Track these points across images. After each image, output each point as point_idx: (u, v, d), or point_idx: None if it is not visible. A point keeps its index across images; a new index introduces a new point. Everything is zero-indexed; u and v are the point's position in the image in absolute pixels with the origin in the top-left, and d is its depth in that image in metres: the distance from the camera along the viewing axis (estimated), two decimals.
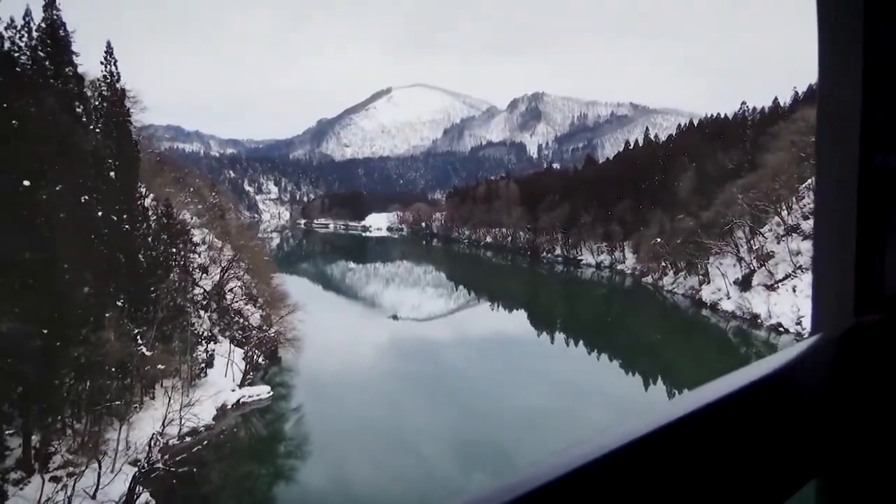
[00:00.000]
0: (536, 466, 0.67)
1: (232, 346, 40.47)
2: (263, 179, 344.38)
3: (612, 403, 36.71)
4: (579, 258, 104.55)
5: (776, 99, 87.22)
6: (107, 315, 25.46)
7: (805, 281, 52.93)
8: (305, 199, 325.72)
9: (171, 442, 27.04)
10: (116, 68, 40.14)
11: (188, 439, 29.20)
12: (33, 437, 22.20)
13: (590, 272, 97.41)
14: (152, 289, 32.15)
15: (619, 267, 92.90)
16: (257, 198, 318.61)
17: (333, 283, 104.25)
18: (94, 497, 21.87)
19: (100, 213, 29.88)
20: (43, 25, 34.42)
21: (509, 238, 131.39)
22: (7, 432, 20.75)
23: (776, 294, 55.14)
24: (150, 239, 35.32)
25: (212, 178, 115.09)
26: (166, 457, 24.97)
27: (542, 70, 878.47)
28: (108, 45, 40.61)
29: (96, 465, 23.22)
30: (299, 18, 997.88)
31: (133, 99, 44.41)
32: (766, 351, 48.22)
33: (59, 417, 22.90)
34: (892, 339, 1.29)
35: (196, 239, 45.57)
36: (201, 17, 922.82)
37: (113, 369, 25.24)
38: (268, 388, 38.33)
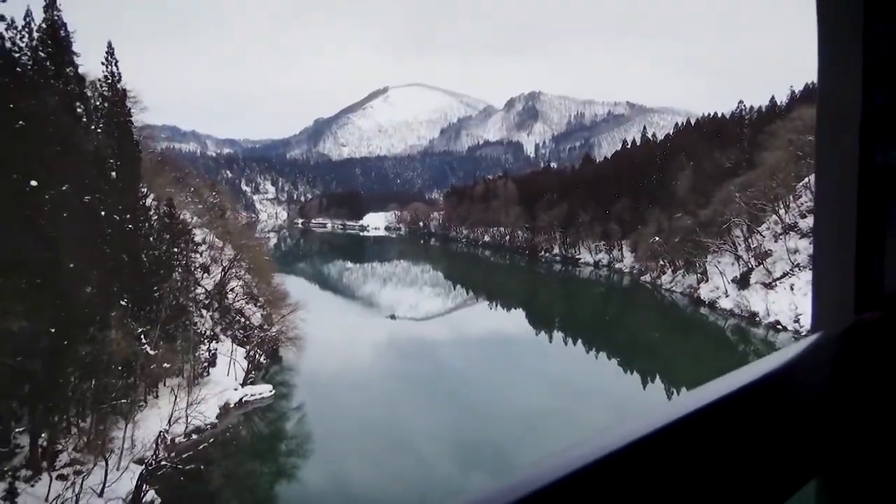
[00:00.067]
0: (535, 468, 0.67)
1: (234, 345, 40.60)
2: (260, 179, 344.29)
3: (611, 402, 36.79)
4: (577, 257, 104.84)
5: (773, 98, 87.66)
6: (112, 314, 25.60)
7: (803, 279, 53.23)
8: (302, 198, 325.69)
9: (177, 440, 27.19)
10: (118, 68, 40.26)
11: (192, 437, 29.37)
12: (40, 436, 22.33)
13: (588, 271, 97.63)
14: (155, 288, 32.30)
15: (618, 266, 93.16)
16: (254, 198, 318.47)
17: (331, 282, 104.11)
18: (101, 495, 22.02)
19: (103, 213, 30.01)
20: (44, 26, 34.54)
21: (507, 237, 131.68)
22: (17, 430, 20.89)
23: (774, 292, 55.45)
24: (152, 239, 35.47)
25: (209, 178, 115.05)
26: (172, 454, 25.11)
27: (538, 69, 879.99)
28: (109, 46, 40.67)
29: (102, 463, 23.38)
30: (296, 18, 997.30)
31: (133, 99, 44.49)
32: (765, 348, 48.47)
33: (66, 416, 23.02)
34: (893, 336, 1.29)
35: (197, 238, 45.68)
36: (197, 17, 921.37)
37: (119, 368, 25.39)
38: (270, 386, 38.48)
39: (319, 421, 33.46)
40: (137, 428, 27.23)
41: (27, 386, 20.07)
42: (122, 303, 28.74)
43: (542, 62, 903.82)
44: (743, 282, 60.19)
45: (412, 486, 26.50)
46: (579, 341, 55.39)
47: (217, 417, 32.79)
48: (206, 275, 44.79)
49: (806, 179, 59.60)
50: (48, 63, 34.28)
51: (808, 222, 57.88)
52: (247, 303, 47.72)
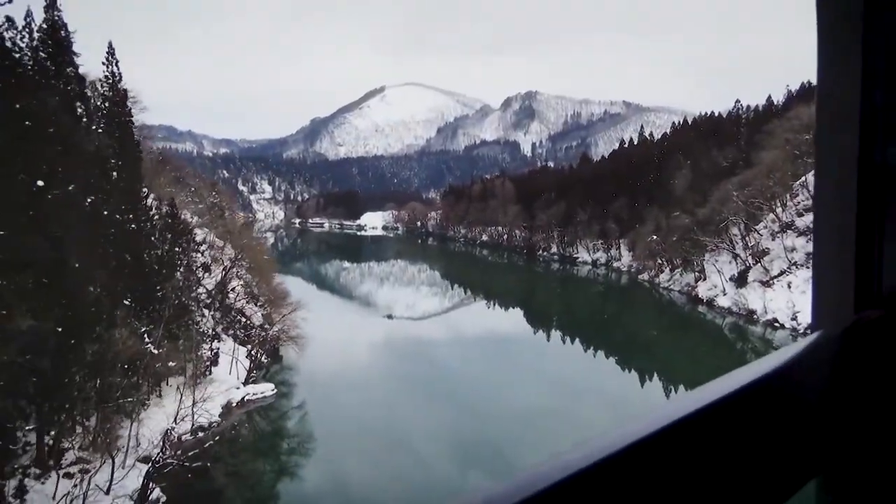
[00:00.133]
0: (534, 470, 0.67)
1: (235, 344, 40.76)
2: (257, 179, 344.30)
3: (609, 401, 36.88)
4: (575, 256, 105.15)
5: (770, 97, 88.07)
6: (117, 313, 25.74)
7: (800, 277, 53.55)
8: (299, 198, 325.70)
9: (184, 437, 27.36)
10: (118, 69, 40.34)
11: (196, 436, 29.54)
12: (46, 435, 22.48)
13: (586, 270, 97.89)
14: (158, 288, 32.44)
15: (616, 264, 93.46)
16: (251, 197, 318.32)
17: (328, 282, 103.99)
18: (107, 493, 22.19)
19: (105, 213, 30.14)
20: (44, 26, 34.61)
21: (505, 236, 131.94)
22: (26, 428, 21.05)
23: (772, 290, 55.75)
24: (154, 238, 35.61)
25: (206, 178, 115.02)
26: (178, 452, 25.29)
27: (535, 69, 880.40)
28: (110, 46, 40.77)
29: (107, 461, 23.54)
30: (292, 18, 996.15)
31: (133, 99, 44.58)
32: (763, 346, 48.76)
33: (72, 414, 23.18)
34: (892, 335, 1.29)
35: (198, 238, 45.82)
36: (193, 17, 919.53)
37: (125, 366, 25.55)
38: (271, 385, 38.63)
39: (320, 420, 33.58)
40: (141, 426, 27.41)
41: (35, 384, 20.22)
42: (126, 302, 28.89)
43: (538, 62, 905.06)
44: (741, 280, 60.51)
45: (410, 484, 26.67)
46: (577, 340, 55.42)
47: (220, 416, 32.95)
48: (207, 274, 44.93)
49: (803, 178, 59.93)
50: (48, 63, 34.38)
51: (805, 221, 58.21)
52: (247, 302, 47.86)
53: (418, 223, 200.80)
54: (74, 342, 21.58)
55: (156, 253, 34.17)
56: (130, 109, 40.87)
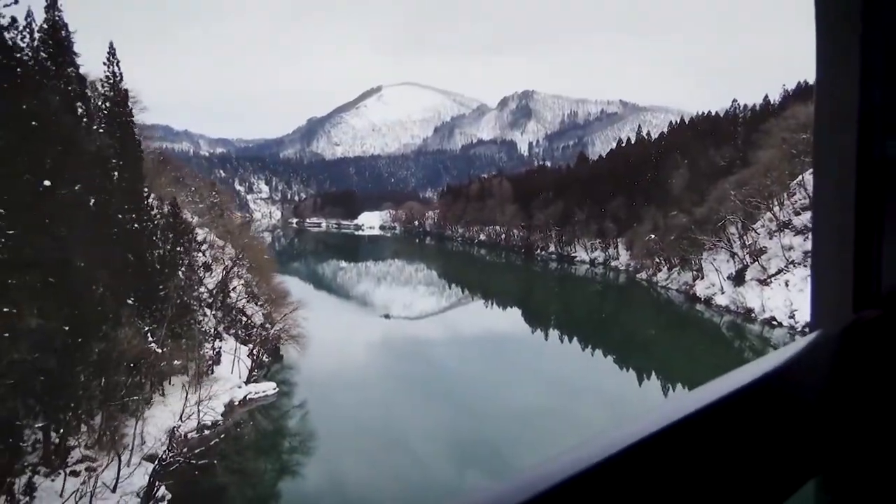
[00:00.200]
0: (533, 471, 0.66)
1: (237, 343, 40.90)
2: (254, 179, 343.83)
3: (607, 400, 36.97)
4: (573, 255, 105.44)
5: (767, 97, 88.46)
6: (122, 313, 25.89)
7: (798, 275, 53.89)
8: (296, 198, 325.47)
9: (189, 436, 27.52)
10: (119, 69, 40.40)
11: (201, 434, 29.70)
12: (52, 433, 22.63)
13: (584, 269, 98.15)
14: (161, 287, 32.58)
15: (613, 263, 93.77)
16: (248, 197, 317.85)
17: (325, 282, 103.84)
18: (114, 490, 22.35)
19: (108, 213, 30.26)
20: (45, 26, 34.65)
21: (503, 236, 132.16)
22: (36, 425, 21.20)
23: (769, 288, 56.08)
24: (156, 238, 35.74)
25: (202, 177, 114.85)
26: (184, 450, 25.45)
27: (532, 68, 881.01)
28: (111, 46, 40.84)
29: (112, 459, 23.70)
30: (288, 18, 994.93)
31: (133, 99, 44.63)
32: (760, 344, 49.04)
33: (78, 413, 23.33)
34: (891, 334, 1.30)
35: (199, 238, 45.92)
36: (190, 18, 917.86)
37: (131, 365, 25.71)
38: (273, 384, 38.77)
39: (320, 419, 33.73)
40: (146, 425, 27.56)
41: (42, 383, 20.37)
42: (129, 301, 29.02)
43: (535, 61, 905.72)
44: (738, 278, 60.84)
45: (408, 484, 26.83)
46: (575, 339, 55.51)
47: (222, 415, 33.10)
48: (208, 274, 45.06)
49: (800, 177, 60.29)
50: (49, 63, 34.44)
51: (802, 219, 58.56)
52: (248, 302, 47.99)
53: (416, 223, 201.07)
54: (81, 341, 21.74)
55: (158, 252, 34.32)
56: (131, 109, 40.96)
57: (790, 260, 56.75)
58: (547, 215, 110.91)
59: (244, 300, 47.44)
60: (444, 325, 66.25)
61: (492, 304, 79.17)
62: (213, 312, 42.65)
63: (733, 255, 63.54)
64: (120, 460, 23.13)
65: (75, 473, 22.50)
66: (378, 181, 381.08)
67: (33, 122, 21.83)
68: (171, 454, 24.16)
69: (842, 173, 1.33)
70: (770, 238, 61.32)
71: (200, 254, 45.23)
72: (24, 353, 18.65)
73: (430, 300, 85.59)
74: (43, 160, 22.26)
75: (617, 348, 51.56)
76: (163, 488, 23.91)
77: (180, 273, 37.80)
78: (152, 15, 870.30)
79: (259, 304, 49.21)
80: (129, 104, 40.94)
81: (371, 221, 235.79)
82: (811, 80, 1.37)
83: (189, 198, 53.52)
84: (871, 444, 1.25)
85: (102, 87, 40.35)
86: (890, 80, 1.29)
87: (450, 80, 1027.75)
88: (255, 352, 41.51)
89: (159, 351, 29.90)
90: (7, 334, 18.22)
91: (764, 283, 57.48)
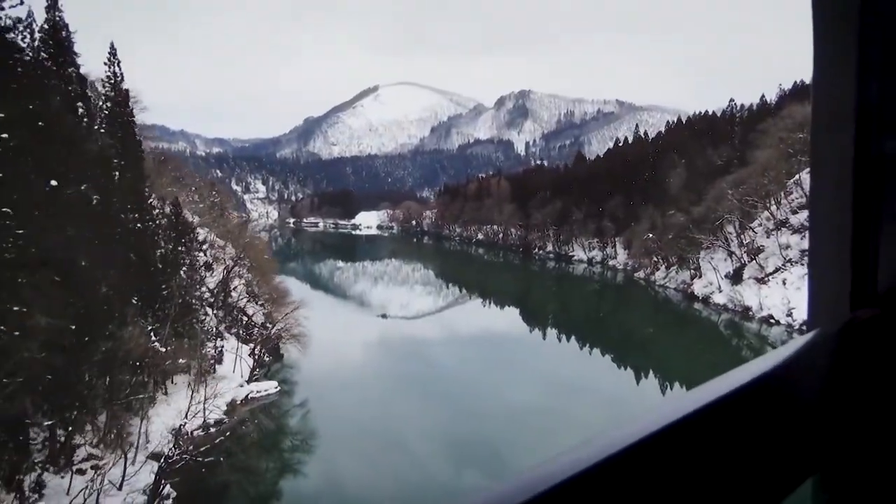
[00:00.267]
0: (532, 472, 0.66)
1: (239, 342, 41.05)
2: (251, 179, 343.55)
3: (605, 399, 37.04)
4: (571, 254, 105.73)
5: (763, 96, 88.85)
6: (127, 312, 26.04)
7: (795, 274, 54.24)
8: (293, 197, 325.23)
9: (195, 433, 27.68)
10: (120, 69, 40.51)
11: (206, 432, 29.88)
12: (59, 431, 22.77)
13: (582, 268, 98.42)
14: (163, 286, 32.71)
15: (611, 262, 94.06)
16: (245, 197, 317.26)
17: (322, 282, 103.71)
18: (120, 488, 22.50)
19: (111, 213, 30.39)
20: (45, 27, 34.74)
21: (501, 235, 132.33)
22: (45, 423, 21.35)
23: (767, 287, 56.44)
24: (157, 237, 35.88)
25: (199, 177, 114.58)
26: (190, 448, 25.62)
27: (528, 68, 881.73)
28: (112, 47, 40.94)
29: (117, 457, 23.86)
30: (285, 18, 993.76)
31: (134, 99, 44.73)
32: (758, 342, 49.34)
33: (84, 411, 23.48)
34: (888, 333, 1.30)
35: (199, 237, 46.05)
36: (187, 17, 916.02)
37: (136, 364, 25.86)
38: (275, 383, 38.98)
39: (319, 418, 33.85)
40: (150, 423, 27.71)
41: (50, 381, 20.52)
42: (133, 301, 29.16)
43: (532, 61, 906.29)
44: (736, 277, 61.19)
45: (406, 483, 27.05)
46: (573, 338, 55.65)
47: (225, 413, 33.26)
48: (209, 273, 45.19)
49: (797, 176, 60.68)
50: (49, 63, 34.53)
51: (799, 218, 58.96)
52: (248, 301, 48.11)
53: (413, 222, 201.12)
54: (88, 340, 21.88)
55: (160, 252, 34.46)
56: (132, 109, 41.08)
57: (787, 258, 57.12)
58: (545, 214, 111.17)
59: (245, 300, 47.56)
60: (442, 324, 66.28)
61: (489, 303, 79.33)
62: (215, 312, 42.78)
63: (731, 253, 63.89)
64: (126, 458, 23.29)
65: (81, 471, 22.63)
66: (375, 181, 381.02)
67: (40, 123, 21.95)
68: (177, 452, 24.30)
69: (839, 172, 1.33)
70: (767, 237, 61.70)
71: (201, 253, 45.37)
72: (34, 351, 18.81)
73: (427, 300, 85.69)
74: (49, 160, 22.41)
75: (615, 347, 51.68)
76: (167, 486, 24.13)
77: (182, 272, 37.95)
78: (148, 14, 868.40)
79: (259, 303, 49.34)
80: (130, 104, 41.11)
81: (368, 221, 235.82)
82: (808, 79, 1.37)
83: (189, 197, 53.64)
84: (869, 443, 1.26)
85: (103, 87, 40.48)
86: (887, 80, 1.29)
87: (447, 80, 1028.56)
88: (256, 351, 41.66)
89: (162, 350, 30.04)
90: (17, 332, 18.39)
91: (761, 281, 57.84)
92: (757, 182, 63.89)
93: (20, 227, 19.26)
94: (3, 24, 24.38)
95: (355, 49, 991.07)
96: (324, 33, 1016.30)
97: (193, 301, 38.73)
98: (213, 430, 30.59)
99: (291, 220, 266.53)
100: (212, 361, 37.03)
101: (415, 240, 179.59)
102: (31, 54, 32.11)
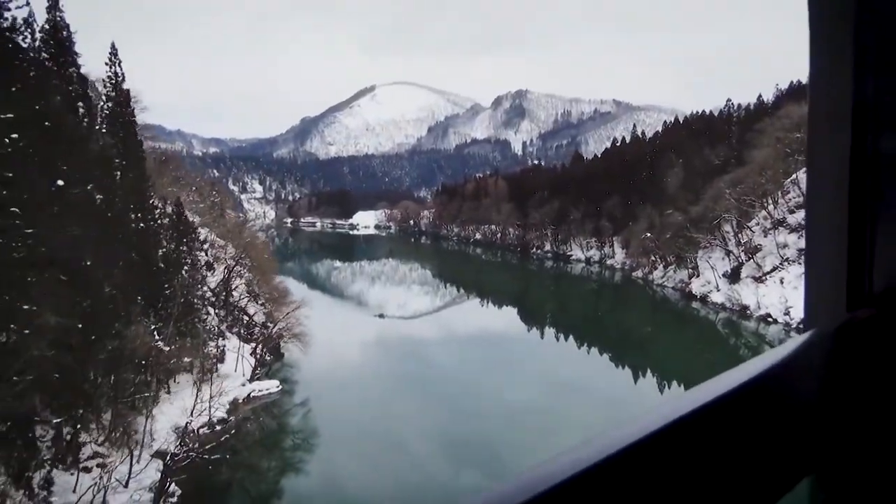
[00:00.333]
0: (531, 473, 0.66)
1: (240, 342, 41.19)
2: (248, 178, 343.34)
3: (603, 398, 37.08)
4: (569, 254, 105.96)
5: (760, 96, 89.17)
6: (132, 311, 26.20)
7: (792, 273, 54.53)
8: (290, 197, 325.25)
9: (201, 431, 27.85)
10: (121, 69, 40.54)
11: (212, 430, 30.06)
12: (65, 429, 22.93)
13: (579, 267, 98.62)
14: (166, 286, 32.85)
15: (609, 262, 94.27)
16: (242, 197, 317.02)
17: (319, 281, 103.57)
18: (126, 486, 22.67)
19: (114, 212, 30.53)
20: (46, 27, 34.80)
21: (499, 235, 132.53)
22: (55, 421, 21.50)
23: (764, 286, 56.77)
24: (160, 237, 36.02)
25: (196, 176, 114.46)
26: (195, 446, 25.78)
27: (525, 68, 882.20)
28: (113, 47, 40.98)
29: (123, 455, 24.01)
30: (282, 18, 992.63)
31: (134, 99, 44.79)
32: (756, 341, 49.62)
33: (90, 409, 23.64)
34: (884, 333, 1.30)
35: (200, 237, 46.19)
36: (182, 16, 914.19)
37: (142, 362, 26.02)
38: (276, 382, 39.13)
39: (319, 417, 33.97)
40: (155, 422, 27.86)
41: (58, 379, 20.67)
42: (137, 300, 29.31)
43: (529, 60, 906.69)
44: (734, 276, 61.49)
45: (405, 480, 27.23)
46: (571, 337, 55.71)
47: (227, 412, 33.41)
48: (210, 273, 45.32)
49: (794, 175, 60.97)
50: (51, 64, 34.60)
51: (796, 217, 59.23)
52: (249, 300, 48.25)
53: (411, 222, 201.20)
54: (94, 338, 22.04)
55: (163, 251, 34.60)
56: (133, 110, 41.13)
57: (785, 257, 57.43)
58: (543, 214, 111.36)
59: (246, 299, 47.70)
60: (439, 324, 66.23)
61: (487, 302, 79.39)
62: (216, 311, 42.93)
63: (729, 252, 64.18)
64: (132, 456, 23.46)
65: (87, 469, 22.80)
66: (372, 181, 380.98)
67: (46, 123, 22.09)
68: (183, 450, 24.48)
69: (835, 172, 1.34)
70: (765, 236, 62.01)
71: (203, 253, 45.48)
72: (44, 349, 18.97)
73: (424, 299, 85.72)
74: (54, 160, 22.54)
75: (613, 346, 51.74)
76: (173, 484, 24.28)
77: (184, 272, 38.09)
78: (144, 14, 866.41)
79: (260, 302, 49.49)
80: (131, 104, 41.17)
81: (366, 221, 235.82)
82: (804, 79, 1.48)
83: (190, 197, 53.76)
84: (865, 442, 1.26)
85: (104, 87, 40.54)
86: (883, 79, 1.29)
87: (444, 80, 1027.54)
88: (257, 350, 41.81)
89: (166, 349, 30.19)
90: (28, 331, 18.55)
91: (759, 280, 58.16)
92: (754, 181, 64.20)
93: (29, 227, 19.42)
94: (9, 25, 24.49)
95: (352, 49, 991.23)
96: (320, 33, 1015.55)
97: (195, 300, 38.87)
98: (218, 428, 30.77)
99: (289, 220, 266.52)
100: (214, 360, 37.18)
101: (412, 239, 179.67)
102: (32, 54, 32.20)
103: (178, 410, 30.27)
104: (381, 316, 68.32)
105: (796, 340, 1.20)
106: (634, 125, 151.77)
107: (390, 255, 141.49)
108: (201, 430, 29.19)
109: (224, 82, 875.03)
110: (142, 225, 32.60)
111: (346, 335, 55.08)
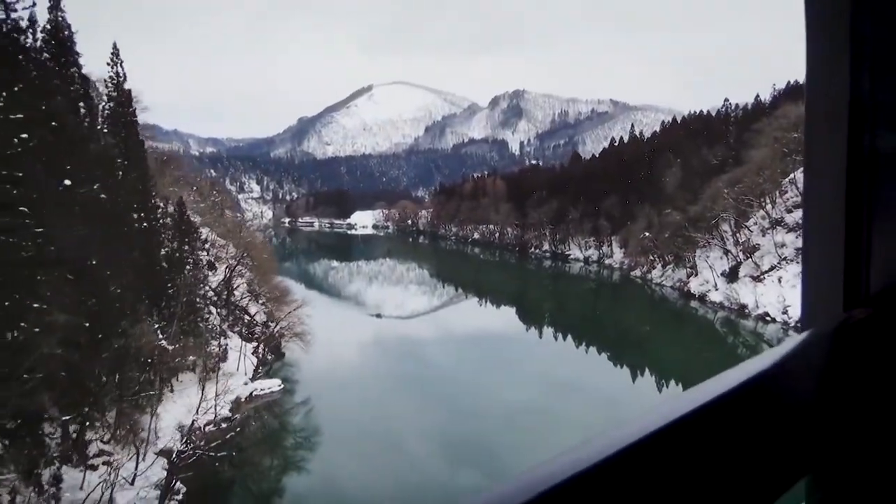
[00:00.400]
0: (530, 473, 0.66)
1: (242, 341, 41.36)
2: (245, 178, 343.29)
3: (601, 398, 37.24)
4: (567, 253, 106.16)
5: (758, 96, 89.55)
6: (138, 309, 26.36)
7: (790, 272, 54.84)
8: (288, 197, 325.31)
9: (205, 429, 28.03)
10: (123, 69, 40.64)
11: (217, 428, 30.24)
12: (71, 427, 23.10)
13: (578, 267, 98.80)
14: (169, 285, 33.01)
15: (608, 261, 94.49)
16: (240, 196, 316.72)
17: (317, 281, 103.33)
18: (132, 483, 22.84)
19: (118, 212, 30.67)
20: (48, 27, 34.87)
21: (497, 234, 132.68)
22: (63, 418, 21.65)
23: (762, 285, 57.08)
24: (162, 237, 36.17)
25: (193, 176, 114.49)
26: (201, 444, 25.96)
27: (523, 67, 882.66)
28: (115, 47, 41.07)
29: (128, 453, 24.20)
30: (279, 17, 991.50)
31: (135, 99, 44.84)
32: (754, 340, 49.90)
33: (96, 407, 23.81)
34: (881, 333, 1.30)
35: (202, 237, 46.33)
36: (180, 16, 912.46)
37: (147, 361, 26.19)
38: (278, 381, 39.31)
39: (319, 417, 34.09)
40: (159, 420, 28.05)
41: (65, 377, 20.84)
42: (142, 299, 29.48)
43: (526, 60, 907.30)
44: (732, 275, 61.79)
45: (404, 479, 27.41)
46: (569, 337, 55.79)
47: (230, 411, 33.58)
48: (211, 272, 45.47)
49: (792, 175, 61.32)
50: (52, 64, 34.68)
51: (794, 217, 59.58)
52: (250, 300, 48.41)
53: (409, 222, 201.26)
54: (101, 337, 22.21)
55: (165, 251, 34.75)
56: (135, 109, 41.23)
57: (783, 257, 57.76)
58: (541, 214, 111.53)
59: (247, 298, 47.86)
60: (437, 324, 66.22)
61: (485, 302, 79.40)
62: (218, 310, 43.09)
63: (727, 252, 64.49)
64: (138, 454, 23.64)
65: (93, 467, 22.97)
66: (370, 180, 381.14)
67: (53, 123, 22.25)
68: (189, 447, 24.66)
69: (832, 171, 1.34)
70: (763, 235, 62.32)
71: (204, 252, 45.63)
72: (53, 347, 19.15)
73: (422, 299, 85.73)
74: (61, 160, 22.70)
75: (611, 345, 51.85)
76: (178, 481, 24.46)
77: (187, 271, 38.25)
78: (142, 14, 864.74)
79: (261, 302, 49.64)
80: (133, 104, 41.26)
81: (364, 221, 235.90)
82: (801, 79, 1.42)
83: (191, 197, 53.89)
84: (863, 442, 1.27)
85: (105, 87, 40.63)
86: (880, 79, 1.30)
87: (441, 80, 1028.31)
88: (259, 349, 41.98)
89: (170, 348, 30.36)
90: (38, 329, 18.72)
91: (757, 279, 58.48)
92: (752, 181, 64.50)
93: (38, 226, 19.59)
94: (15, 26, 24.62)
95: (349, 49, 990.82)
96: (320, 33, 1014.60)
97: (198, 300, 39.04)
98: (223, 426, 30.95)
99: (286, 220, 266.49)
100: (217, 359, 37.36)
101: (410, 239, 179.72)
102: (34, 55, 32.28)
103: (181, 409, 30.42)
104: (379, 316, 68.30)
105: (794, 340, 1.20)
106: (632, 125, 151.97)
107: (388, 255, 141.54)
108: (206, 428, 29.37)
109: (222, 82, 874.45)
110: (145, 225, 32.76)
111: (345, 335, 55.11)
